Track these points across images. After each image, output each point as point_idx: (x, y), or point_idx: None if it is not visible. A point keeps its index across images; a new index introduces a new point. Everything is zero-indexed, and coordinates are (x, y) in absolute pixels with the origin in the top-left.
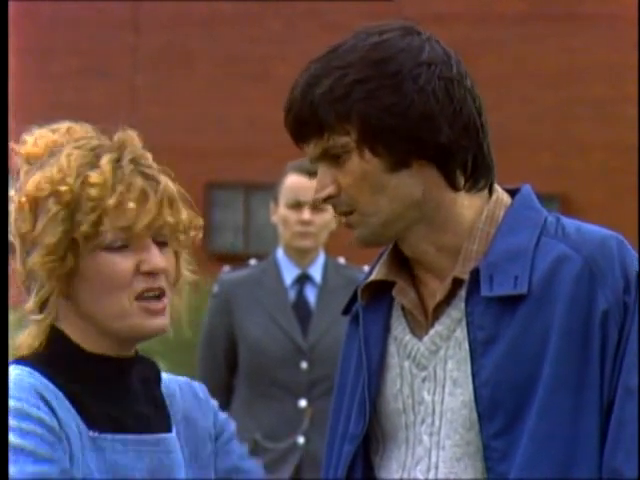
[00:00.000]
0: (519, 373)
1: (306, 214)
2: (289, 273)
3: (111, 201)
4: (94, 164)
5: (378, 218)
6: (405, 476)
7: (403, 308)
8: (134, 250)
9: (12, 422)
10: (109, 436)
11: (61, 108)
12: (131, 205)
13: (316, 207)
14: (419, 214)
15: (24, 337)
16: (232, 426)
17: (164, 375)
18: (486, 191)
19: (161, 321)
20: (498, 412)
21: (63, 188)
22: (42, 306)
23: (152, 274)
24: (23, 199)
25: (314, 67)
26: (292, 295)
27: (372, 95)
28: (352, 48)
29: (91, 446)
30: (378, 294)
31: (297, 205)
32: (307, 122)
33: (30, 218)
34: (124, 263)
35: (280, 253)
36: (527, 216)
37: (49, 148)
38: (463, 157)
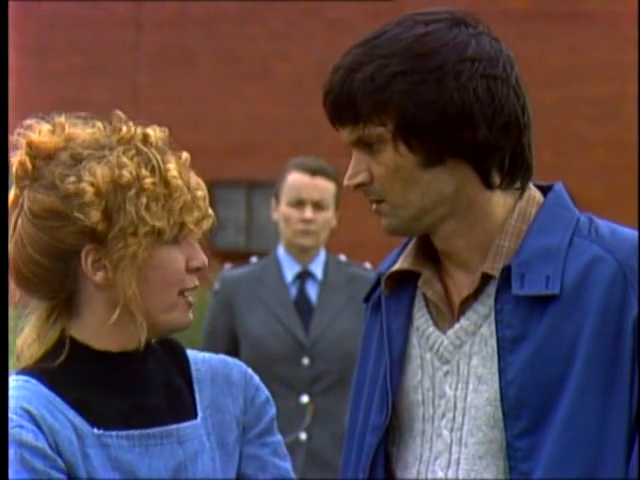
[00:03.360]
0: (547, 373)
1: (308, 212)
2: (290, 270)
3: (187, 196)
4: (157, 159)
5: (407, 211)
6: (423, 469)
7: (426, 299)
8: (182, 246)
9: None
10: (114, 433)
11: (62, 106)
12: (202, 201)
13: (317, 205)
14: (450, 209)
15: (26, 337)
16: (271, 411)
17: (198, 357)
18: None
19: (192, 315)
20: (523, 411)
21: (148, 180)
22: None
23: (198, 270)
24: (90, 188)
25: (356, 52)
26: (293, 292)
27: (412, 89)
28: (397, 37)
29: (97, 443)
30: (401, 283)
31: (299, 203)
32: (344, 108)
33: (99, 207)
34: (180, 259)
35: (281, 250)
36: (560, 215)
37: (68, 141)
38: (500, 156)
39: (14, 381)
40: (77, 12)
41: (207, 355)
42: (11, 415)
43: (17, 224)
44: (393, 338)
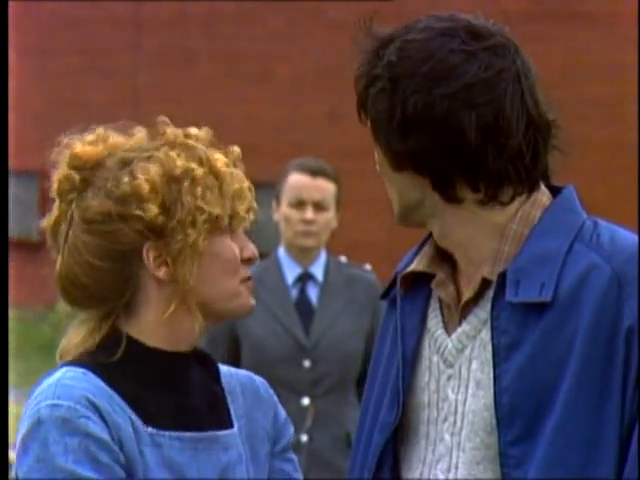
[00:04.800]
0: (540, 380)
1: (309, 213)
2: (291, 271)
3: (237, 185)
4: (204, 151)
5: (395, 205)
6: (426, 472)
7: (441, 301)
8: (234, 237)
9: (55, 434)
10: (167, 433)
11: (62, 106)
12: (249, 192)
13: (318, 206)
14: (428, 213)
15: (74, 337)
16: (291, 430)
17: (224, 370)
18: (525, 193)
19: (253, 300)
20: (517, 419)
21: (199, 171)
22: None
23: (250, 261)
24: (145, 184)
25: (382, 36)
26: (294, 293)
27: (375, 97)
28: (402, 34)
29: (149, 442)
30: (418, 283)
31: (299, 204)
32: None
33: (156, 202)
34: (235, 248)
35: (281, 251)
36: (563, 219)
37: (112, 149)
38: (448, 171)
39: (70, 372)
40: (77, 12)
41: (233, 369)
42: (74, 405)
43: (68, 236)
44: (406, 338)
